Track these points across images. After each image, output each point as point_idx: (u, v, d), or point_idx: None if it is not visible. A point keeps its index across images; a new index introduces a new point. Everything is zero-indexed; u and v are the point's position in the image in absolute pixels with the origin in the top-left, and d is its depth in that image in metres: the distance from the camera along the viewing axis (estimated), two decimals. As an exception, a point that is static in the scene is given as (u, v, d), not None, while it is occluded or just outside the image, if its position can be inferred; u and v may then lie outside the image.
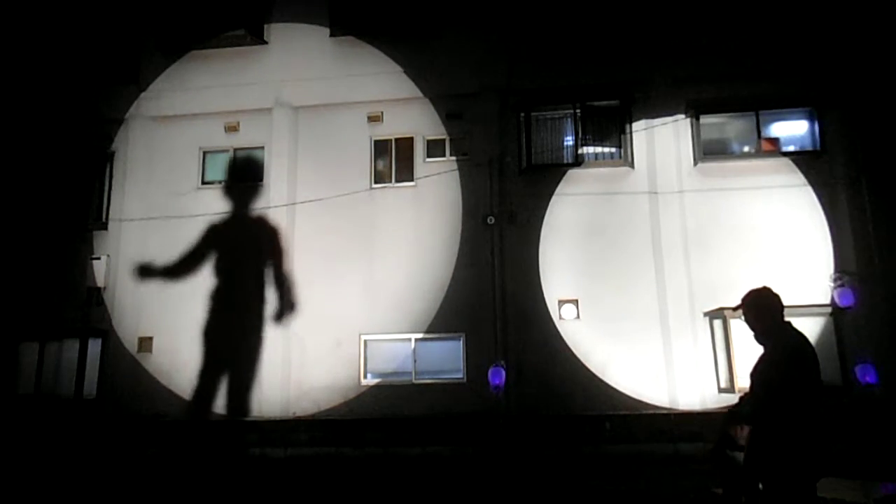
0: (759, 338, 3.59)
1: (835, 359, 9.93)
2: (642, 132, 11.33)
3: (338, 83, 12.15)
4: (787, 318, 3.58)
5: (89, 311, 11.81)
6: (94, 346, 11.66)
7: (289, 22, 12.56)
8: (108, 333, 11.72)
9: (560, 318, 10.94)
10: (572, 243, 11.20)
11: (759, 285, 3.72)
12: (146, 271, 11.76)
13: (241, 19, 12.47)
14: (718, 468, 3.71)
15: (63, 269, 12.01)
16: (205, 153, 12.43)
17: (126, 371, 11.51)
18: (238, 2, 12.60)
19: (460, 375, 11.01)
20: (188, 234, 11.84)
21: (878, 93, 10.74)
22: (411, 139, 11.92)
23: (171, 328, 11.58)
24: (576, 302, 10.97)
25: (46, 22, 12.85)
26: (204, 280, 11.67)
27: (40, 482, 8.92)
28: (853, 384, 9.81)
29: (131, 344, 11.66)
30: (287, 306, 11.36)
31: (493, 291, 11.08)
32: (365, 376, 11.23)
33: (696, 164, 11.19)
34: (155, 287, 11.76)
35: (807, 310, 9.96)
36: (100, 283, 11.81)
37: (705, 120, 11.37)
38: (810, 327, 9.69)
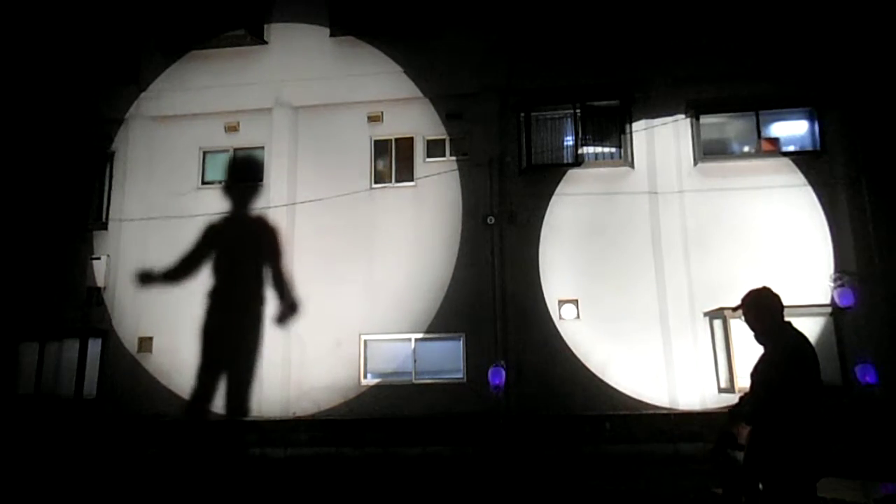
0: (760, 338, 3.59)
1: (835, 359, 9.93)
2: (642, 132, 11.33)
3: (338, 83, 12.15)
4: (787, 318, 3.58)
5: (89, 311, 11.81)
6: (94, 346, 11.66)
7: (289, 22, 12.56)
8: (108, 333, 11.73)
9: (560, 318, 10.94)
10: (572, 243, 11.20)
11: (758, 285, 3.72)
12: (147, 278, 11.71)
13: (241, 19, 12.47)
14: (719, 467, 3.71)
15: (63, 269, 12.01)
16: (205, 153, 12.44)
17: (126, 371, 11.51)
18: (238, 2, 12.60)
19: (460, 375, 11.01)
20: (188, 234, 11.84)
21: (878, 93, 10.74)
22: (411, 139, 11.93)
23: (171, 328, 11.58)
24: (576, 302, 10.98)
25: (47, 22, 12.85)
26: (204, 280, 11.67)
27: (40, 482, 8.92)
28: (853, 384, 9.81)
29: (131, 344, 11.66)
30: (289, 309, 11.35)
31: (493, 291, 11.08)
32: (365, 376, 11.24)
33: (696, 164, 11.19)
34: (155, 287, 11.74)
35: (807, 310, 9.96)
36: (100, 283, 11.81)
37: (705, 120, 11.37)
38: (810, 327, 9.69)
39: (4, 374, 11.67)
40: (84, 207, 12.35)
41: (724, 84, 11.25)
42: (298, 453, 10.30)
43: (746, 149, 11.30)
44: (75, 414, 11.14)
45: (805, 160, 10.95)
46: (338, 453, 10.20)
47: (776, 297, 3.62)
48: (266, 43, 12.53)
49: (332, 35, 12.36)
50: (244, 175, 12.21)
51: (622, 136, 11.43)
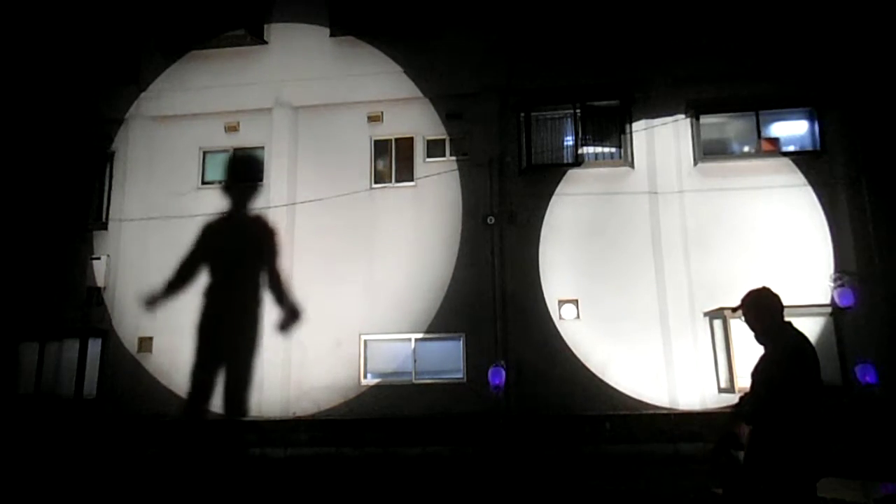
0: (760, 338, 3.59)
1: (835, 359, 9.93)
2: (642, 132, 11.33)
3: (338, 83, 12.15)
4: (787, 318, 3.58)
5: (89, 311, 11.81)
6: (94, 346, 11.66)
7: (289, 22, 12.56)
8: (108, 333, 11.73)
9: (560, 318, 10.94)
10: (572, 243, 11.20)
11: (758, 285, 3.72)
12: (153, 300, 11.53)
13: (241, 19, 12.48)
14: (720, 467, 3.71)
15: (63, 269, 12.01)
16: (205, 153, 12.44)
17: (126, 371, 11.51)
18: (238, 2, 12.61)
19: (460, 375, 11.01)
20: (188, 234, 11.83)
21: (878, 93, 10.73)
22: (411, 139, 11.93)
23: (171, 328, 11.56)
24: (576, 302, 10.98)
25: (47, 22, 12.85)
26: (204, 280, 11.66)
27: (40, 482, 8.92)
28: (853, 384, 9.81)
29: (131, 344, 11.66)
30: (291, 315, 11.32)
31: (493, 291, 11.08)
32: (365, 376, 11.23)
33: (696, 164, 11.19)
34: (155, 287, 11.72)
35: (807, 310, 9.96)
36: (100, 283, 11.81)
37: (705, 120, 11.37)
38: (810, 327, 9.69)
39: (4, 374, 11.68)
40: (84, 207, 12.35)
41: (724, 84, 11.25)
42: (298, 453, 10.30)
43: (746, 149, 11.30)
44: (75, 414, 11.14)
45: (805, 160, 10.95)
46: (338, 453, 10.20)
47: (776, 298, 3.61)
48: (266, 43, 12.54)
49: (332, 35, 12.36)
50: (244, 175, 12.21)
51: (622, 136, 11.43)
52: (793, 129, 11.42)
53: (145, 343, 11.66)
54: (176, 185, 12.26)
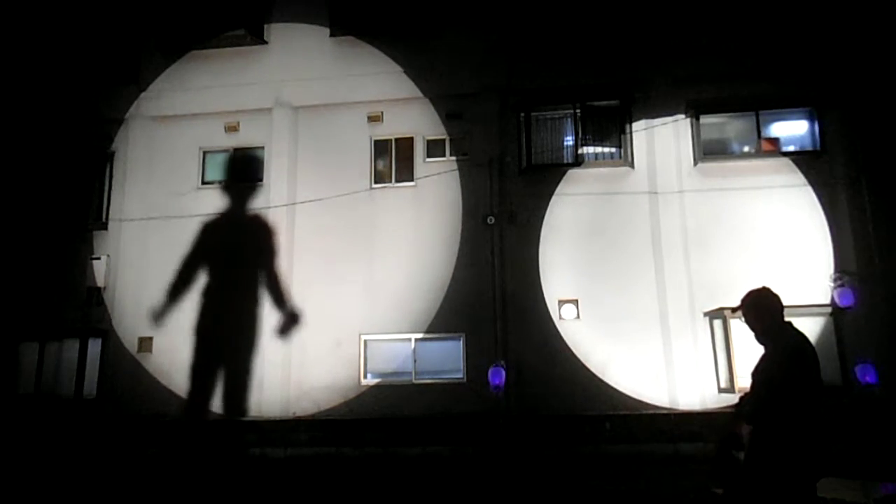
0: (760, 338, 3.59)
1: (835, 359, 9.93)
2: (642, 132, 11.33)
3: (338, 83, 12.15)
4: (787, 318, 3.58)
5: (89, 311, 11.82)
6: (94, 346, 11.66)
7: (289, 22, 12.56)
8: (108, 333, 11.73)
9: (560, 318, 10.94)
10: (572, 243, 11.20)
11: (758, 285, 3.72)
12: (159, 314, 11.40)
13: (241, 19, 12.48)
14: (721, 467, 3.71)
15: (63, 269, 12.01)
16: (205, 153, 12.44)
17: (126, 371, 11.51)
18: (238, 2, 12.61)
19: (460, 375, 11.01)
20: (188, 234, 11.82)
21: (878, 93, 10.73)
22: (411, 139, 11.93)
23: (171, 328, 11.53)
24: (576, 302, 10.97)
25: (47, 22, 12.85)
26: (204, 280, 11.65)
27: (40, 482, 8.92)
28: (853, 384, 9.81)
29: (131, 344, 11.66)
30: (290, 320, 11.30)
31: (493, 291, 11.08)
32: (365, 376, 11.23)
33: (696, 164, 11.19)
34: (155, 287, 11.72)
35: (807, 310, 9.96)
36: (100, 283, 11.81)
37: (705, 120, 11.37)
38: (810, 327, 9.69)
39: (4, 374, 11.68)
40: (84, 207, 12.35)
41: (724, 84, 11.25)
42: (298, 453, 10.30)
43: (746, 149, 11.30)
44: (75, 414, 11.14)
45: (805, 160, 10.95)
46: (338, 453, 10.20)
47: (776, 298, 3.61)
48: (266, 43, 12.54)
49: (332, 35, 12.36)
50: (244, 175, 12.21)
51: (622, 136, 11.43)
52: (793, 129, 11.42)
53: (145, 343, 11.66)
54: (176, 185, 12.26)
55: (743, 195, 10.86)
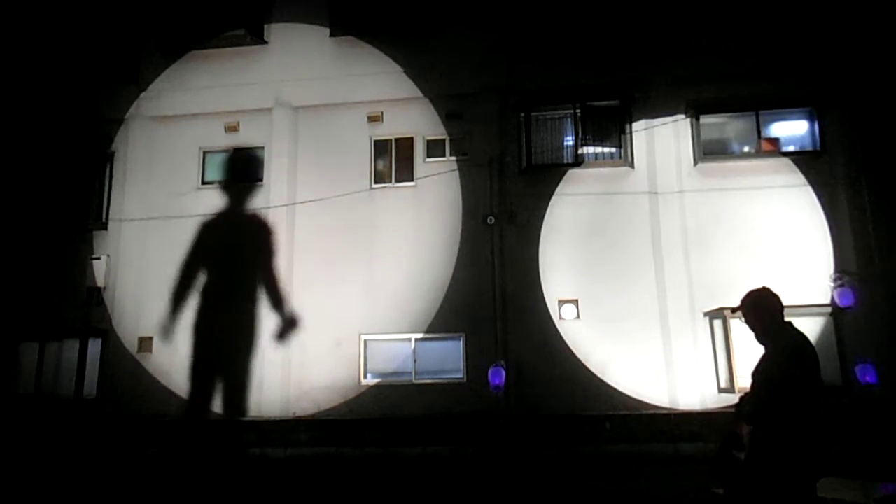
0: (760, 338, 3.59)
1: (835, 359, 9.93)
2: (642, 132, 11.33)
3: (338, 83, 12.15)
4: (787, 318, 3.58)
5: (89, 311, 11.81)
6: (94, 346, 11.66)
7: (289, 22, 12.56)
8: (108, 333, 11.73)
9: (560, 318, 10.94)
10: (572, 243, 11.20)
11: (758, 285, 3.72)
12: (168, 328, 11.36)
13: (241, 19, 12.47)
14: (721, 467, 3.71)
15: (63, 269, 12.01)
16: (205, 153, 12.44)
17: (126, 371, 11.51)
18: (238, 2, 12.60)
19: (460, 375, 11.01)
20: (188, 234, 11.83)
21: (878, 93, 10.74)
22: (411, 139, 11.92)
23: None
24: (576, 302, 10.97)
25: (47, 22, 12.85)
26: (204, 280, 11.65)
27: (40, 482, 8.92)
28: (853, 384, 9.81)
29: (131, 344, 11.65)
30: (289, 324, 11.29)
31: (493, 291, 11.08)
32: (365, 376, 11.23)
33: (696, 164, 11.19)
34: (155, 287, 11.73)
35: (807, 310, 9.96)
36: (100, 283, 11.81)
37: (705, 120, 11.37)
38: (810, 327, 9.69)
39: (4, 374, 11.67)
40: (84, 207, 12.35)
41: (724, 84, 11.25)
42: (298, 453, 10.30)
43: (746, 149, 11.30)
44: (75, 414, 11.14)
45: (805, 160, 10.95)
46: (338, 453, 10.20)
47: (776, 298, 3.61)
48: (266, 43, 12.53)
49: (332, 35, 12.36)
50: (244, 175, 12.21)
51: (622, 136, 11.43)
52: (793, 129, 11.42)
53: (145, 343, 11.66)
54: (176, 185, 12.25)
55: (743, 195, 10.87)
